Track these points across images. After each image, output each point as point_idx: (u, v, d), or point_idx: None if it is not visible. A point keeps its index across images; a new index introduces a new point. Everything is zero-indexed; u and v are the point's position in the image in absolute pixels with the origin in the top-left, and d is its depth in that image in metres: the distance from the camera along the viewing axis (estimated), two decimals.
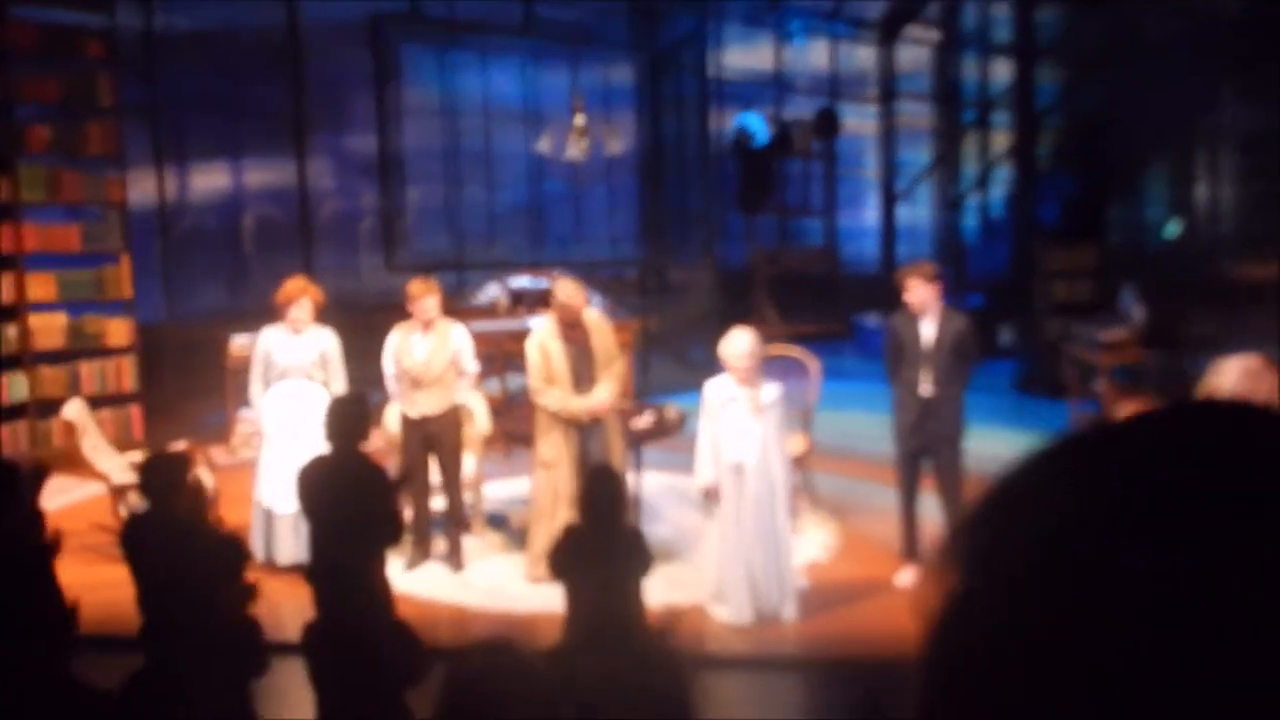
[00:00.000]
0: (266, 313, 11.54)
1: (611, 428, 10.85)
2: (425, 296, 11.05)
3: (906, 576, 10.77)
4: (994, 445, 12.53)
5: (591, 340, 10.75)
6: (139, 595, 7.47)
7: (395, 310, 11.47)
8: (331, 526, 7.97)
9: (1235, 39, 14.84)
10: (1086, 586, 0.79)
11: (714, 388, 9.97)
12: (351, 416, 8.43)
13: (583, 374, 10.66)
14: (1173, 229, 16.32)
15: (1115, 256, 17.51)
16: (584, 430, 10.62)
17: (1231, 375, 13.30)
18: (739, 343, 9.81)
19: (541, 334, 10.74)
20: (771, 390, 9.97)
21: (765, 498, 9.87)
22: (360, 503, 7.94)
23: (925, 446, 10.51)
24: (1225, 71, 15.05)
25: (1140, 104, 17.02)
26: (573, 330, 10.66)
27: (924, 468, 10.67)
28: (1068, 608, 0.80)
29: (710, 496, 10.00)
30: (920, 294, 10.33)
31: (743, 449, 9.83)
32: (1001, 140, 21.15)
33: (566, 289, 10.78)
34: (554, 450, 10.56)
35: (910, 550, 10.78)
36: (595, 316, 11.11)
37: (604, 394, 10.64)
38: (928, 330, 10.36)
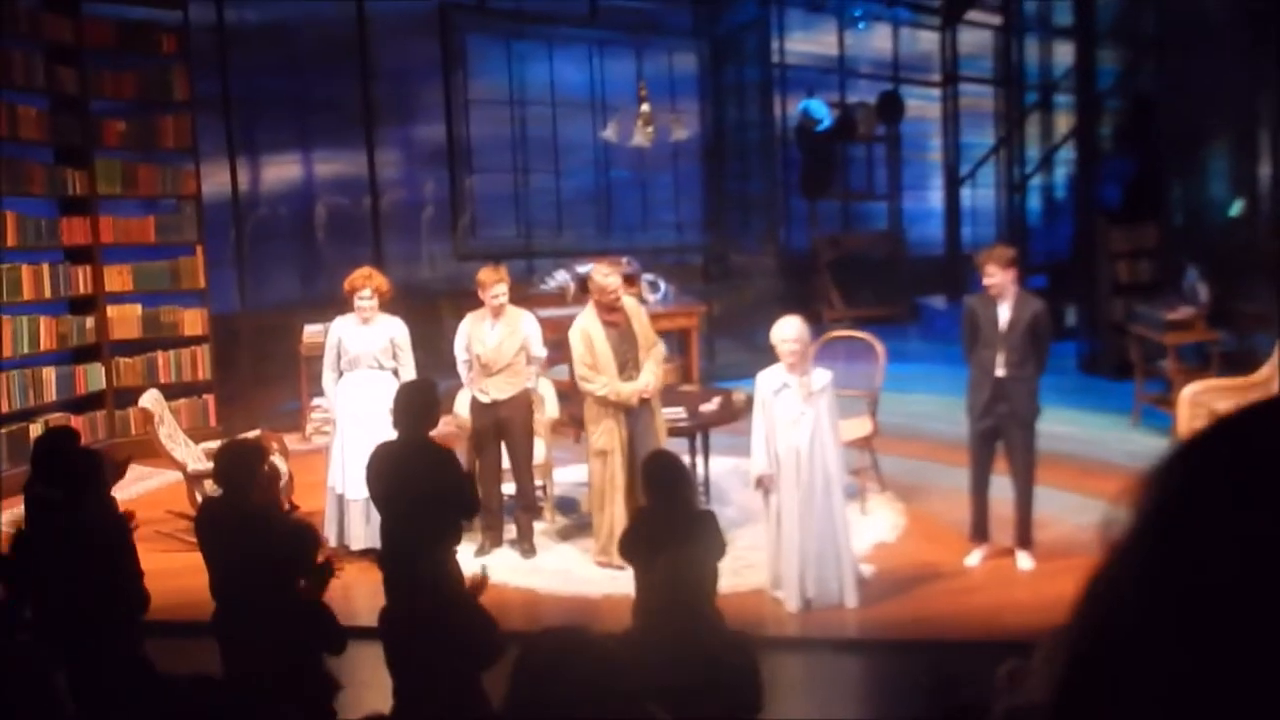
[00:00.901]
0: (338, 302, 11.69)
1: (657, 412, 10.97)
2: (495, 284, 11.18)
3: (976, 557, 10.83)
4: (1060, 425, 12.64)
5: (633, 325, 10.86)
6: (212, 581, 7.63)
7: (464, 297, 11.62)
8: (402, 512, 8.09)
9: None
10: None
11: (765, 377, 10.05)
12: (420, 403, 8.56)
13: (626, 358, 10.76)
14: (1236, 207, 16.26)
15: (1178, 236, 17.47)
16: (631, 416, 10.74)
17: None
18: (787, 328, 9.91)
19: (583, 321, 10.84)
20: (822, 376, 10.06)
21: (820, 484, 9.93)
22: (430, 488, 8.06)
23: (998, 427, 10.56)
24: None
25: (1201, 83, 16.95)
26: (613, 315, 10.76)
27: (996, 449, 10.73)
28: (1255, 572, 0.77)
29: (764, 485, 10.06)
30: (998, 277, 10.39)
31: (796, 436, 9.88)
32: (1064, 122, 21.08)
33: (602, 272, 10.88)
34: (606, 437, 10.67)
35: (980, 531, 10.82)
36: (632, 302, 11.21)
37: (650, 377, 10.76)
38: (1004, 312, 10.41)
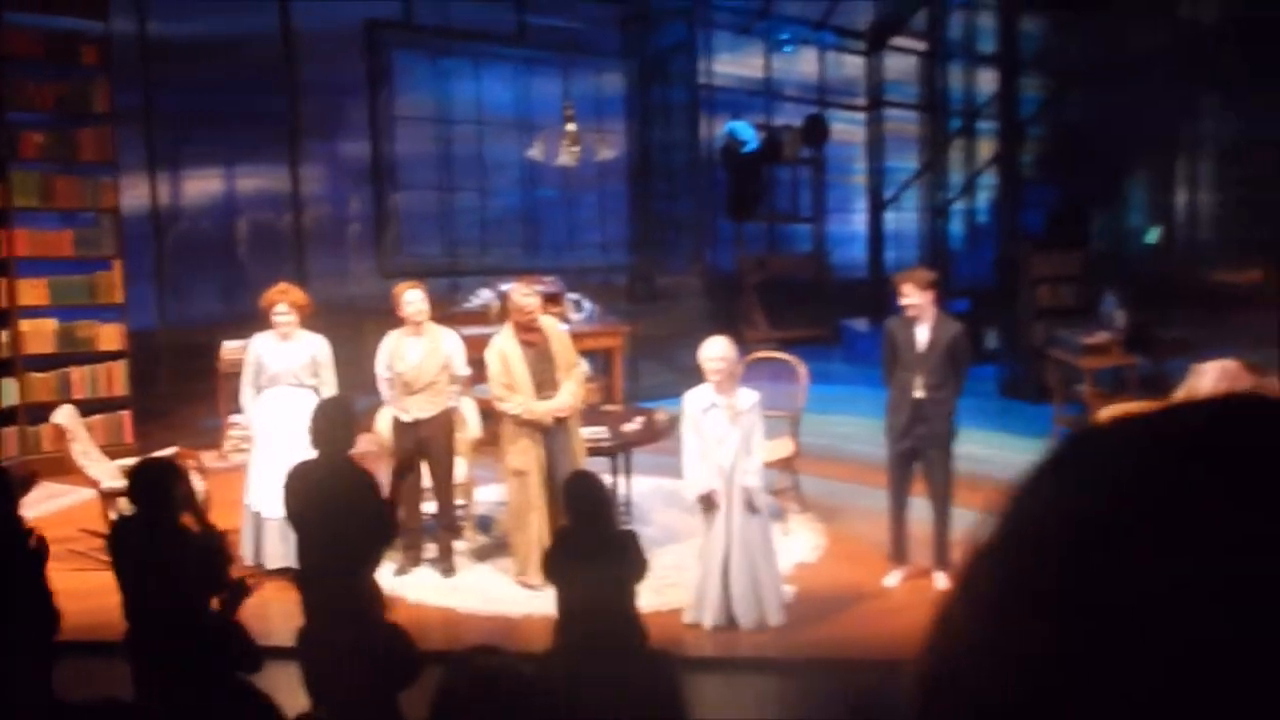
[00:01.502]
0: (259, 319, 11.61)
1: (575, 432, 10.95)
2: (405, 292, 11.15)
3: (895, 578, 10.89)
4: (979, 448, 12.71)
5: (551, 345, 10.85)
6: (125, 601, 7.52)
7: (388, 316, 11.54)
8: (319, 531, 8.01)
9: (1215, 51, 14.96)
10: (1119, 572, 0.77)
11: (693, 396, 10.07)
12: (338, 421, 8.47)
13: (544, 378, 10.75)
14: (1153, 235, 16.45)
15: (1098, 262, 17.65)
16: (548, 436, 10.71)
17: (1210, 379, 13.47)
18: (713, 347, 9.93)
19: (501, 341, 10.81)
20: (749, 396, 10.08)
21: (744, 504, 9.96)
22: (348, 507, 7.99)
23: (916, 449, 10.63)
24: (1205, 82, 15.16)
25: (1122, 113, 17.15)
26: (531, 335, 10.75)
27: (914, 470, 10.79)
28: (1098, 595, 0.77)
29: (709, 502, 10.01)
30: (915, 298, 10.45)
31: (721, 455, 9.91)
32: (987, 148, 21.24)
33: (521, 292, 10.87)
34: (523, 457, 10.65)
35: (899, 552, 10.90)
36: (552, 322, 11.21)
37: (567, 397, 10.75)
38: (923, 335, 10.49)
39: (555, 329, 11.10)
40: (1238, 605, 0.72)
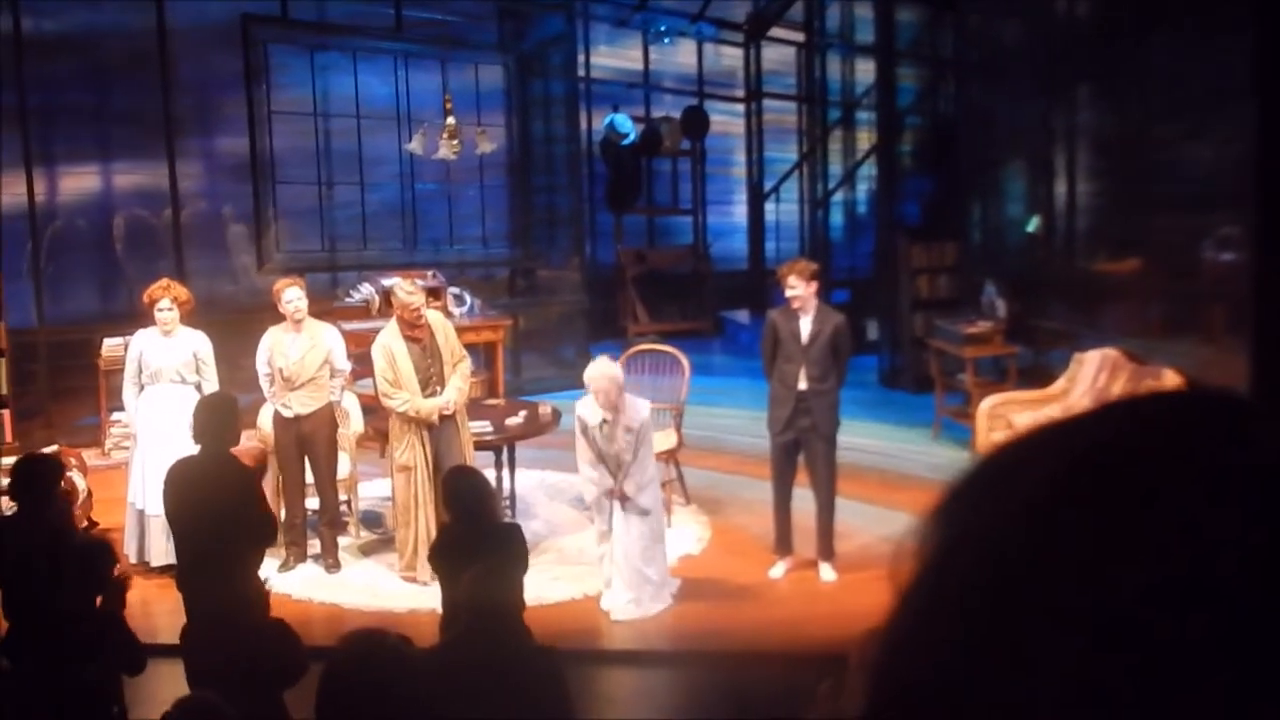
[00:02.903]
0: (138, 316, 11.52)
1: (463, 426, 10.97)
2: (286, 289, 11.12)
3: (779, 569, 10.97)
4: (862, 438, 12.85)
5: (437, 340, 10.86)
6: (5, 600, 7.46)
7: (268, 311, 11.50)
8: (200, 528, 7.97)
9: (1087, 43, 15.18)
10: (1051, 573, 0.78)
11: (585, 408, 10.23)
12: (220, 417, 8.44)
13: (430, 374, 10.77)
14: (1032, 225, 16.66)
15: (976, 253, 17.86)
16: (435, 431, 10.72)
17: (1091, 368, 13.71)
18: (594, 371, 10.17)
19: (386, 337, 10.81)
20: (640, 411, 10.28)
21: (636, 507, 10.21)
22: (229, 504, 7.96)
23: (799, 440, 10.72)
24: (1079, 74, 15.37)
25: (998, 104, 17.36)
26: (416, 331, 10.75)
27: (797, 462, 10.88)
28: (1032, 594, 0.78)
29: (615, 496, 10.22)
30: (800, 289, 10.53)
31: (611, 462, 10.17)
32: (866, 139, 21.36)
33: (405, 289, 10.87)
34: (410, 453, 10.66)
35: (783, 543, 10.98)
36: (438, 316, 11.22)
37: (452, 394, 10.77)
38: (805, 326, 10.57)
39: (442, 324, 11.11)
40: (1195, 609, 0.75)
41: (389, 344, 10.70)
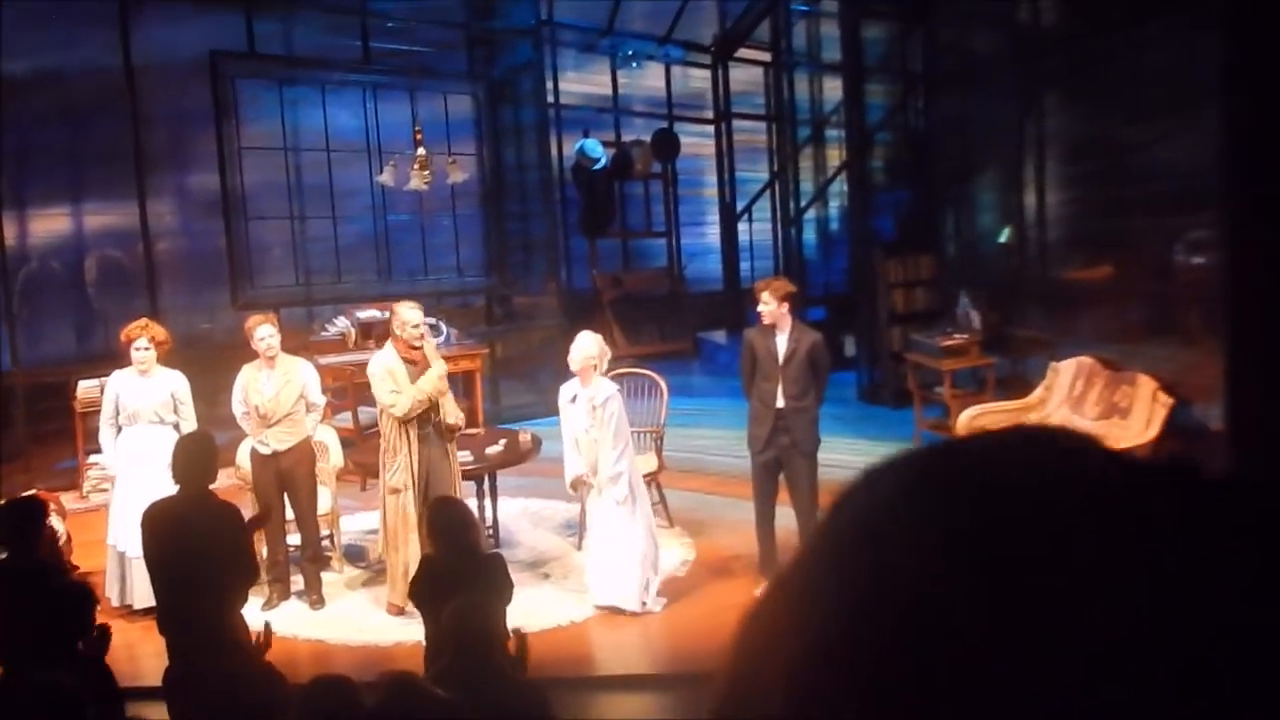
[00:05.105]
0: (114, 356, 11.48)
1: (452, 453, 10.99)
2: (259, 326, 11.10)
3: (764, 589, 10.95)
4: (842, 454, 12.84)
5: (431, 362, 10.91)
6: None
7: (244, 348, 11.46)
8: (180, 568, 7.93)
9: (1057, 49, 15.21)
10: (903, 619, 0.79)
11: (563, 389, 10.80)
12: (198, 456, 8.40)
13: None
14: (1004, 235, 16.68)
15: (950, 265, 17.89)
16: (425, 455, 10.72)
17: (1068, 375, 13.74)
18: (574, 344, 10.65)
19: (384, 357, 10.85)
20: (606, 389, 10.58)
21: (611, 492, 10.56)
22: (210, 543, 7.91)
23: (780, 458, 10.74)
24: (1049, 80, 15.40)
25: (968, 116, 17.40)
26: (413, 353, 10.78)
27: (779, 480, 10.88)
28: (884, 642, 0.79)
29: (577, 487, 10.81)
30: (772, 306, 10.57)
31: (587, 445, 10.57)
32: (836, 156, 21.40)
33: (408, 307, 10.88)
34: (402, 475, 10.64)
35: (768, 562, 10.94)
36: (431, 346, 11.23)
37: (451, 407, 10.89)
38: (782, 344, 10.63)
39: (435, 354, 11.13)
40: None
41: (388, 363, 10.73)
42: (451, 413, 10.92)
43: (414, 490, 10.63)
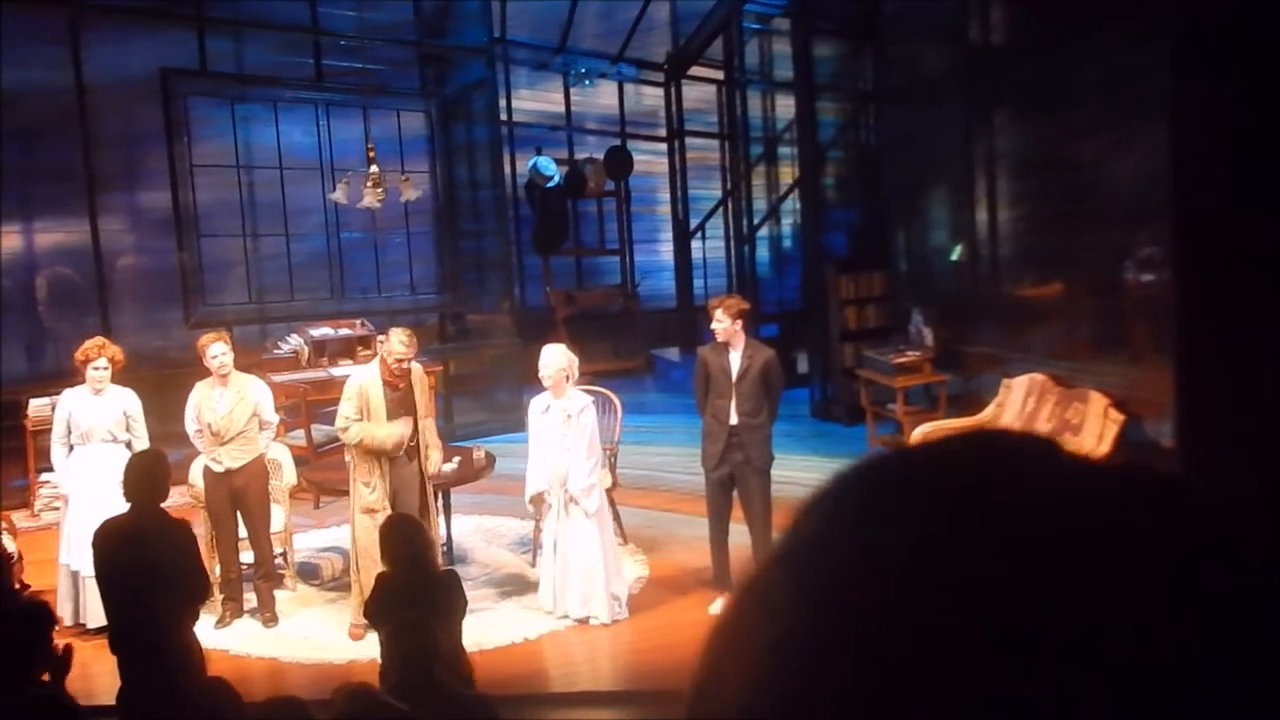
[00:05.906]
0: (66, 375, 11.43)
1: (424, 476, 10.96)
2: (209, 345, 11.06)
3: (719, 605, 10.95)
4: (796, 471, 12.86)
5: (414, 391, 10.86)
6: None
7: (197, 367, 11.43)
8: (132, 587, 7.89)
9: (1006, 64, 15.27)
10: (855, 631, 0.79)
11: (534, 401, 10.88)
12: (149, 475, 8.37)
13: (399, 418, 10.76)
14: (956, 252, 16.75)
15: (902, 282, 17.96)
16: (396, 475, 10.70)
17: (1020, 392, 13.80)
18: (543, 356, 10.72)
19: (364, 377, 10.81)
20: (580, 400, 10.72)
21: (582, 510, 10.65)
22: (162, 562, 7.88)
23: (734, 475, 10.78)
24: (998, 96, 15.46)
25: (918, 134, 17.46)
26: (397, 379, 10.73)
27: (733, 497, 10.91)
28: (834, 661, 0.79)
29: (536, 504, 10.87)
30: (725, 323, 10.62)
31: (557, 458, 10.61)
32: (789, 174, 21.47)
33: (401, 339, 10.77)
34: (377, 495, 10.60)
35: (722, 579, 10.97)
36: (419, 369, 11.17)
37: (436, 456, 11.03)
38: (735, 362, 10.67)
39: (420, 377, 11.08)
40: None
41: (366, 383, 10.69)
42: (434, 461, 10.95)
43: (385, 512, 10.59)
